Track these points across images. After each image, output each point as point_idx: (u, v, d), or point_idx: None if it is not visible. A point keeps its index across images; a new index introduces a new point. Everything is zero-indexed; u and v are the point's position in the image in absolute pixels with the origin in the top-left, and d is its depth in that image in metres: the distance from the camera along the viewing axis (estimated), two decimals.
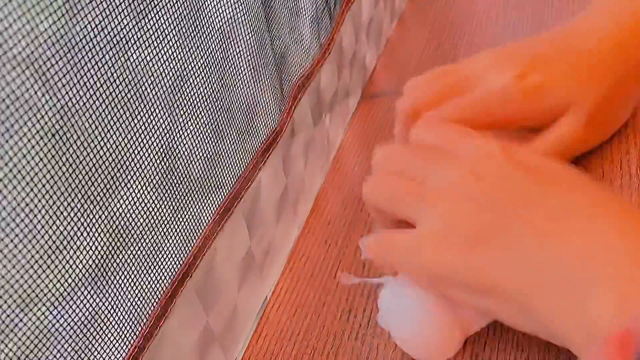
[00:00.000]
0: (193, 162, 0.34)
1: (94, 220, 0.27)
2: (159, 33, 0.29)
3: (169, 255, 0.33)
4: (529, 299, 0.30)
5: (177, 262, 0.33)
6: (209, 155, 0.35)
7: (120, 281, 0.29)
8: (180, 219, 0.33)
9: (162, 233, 0.32)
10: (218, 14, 0.34)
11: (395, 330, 0.38)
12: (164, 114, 0.31)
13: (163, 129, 0.31)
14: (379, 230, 0.39)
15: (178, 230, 0.33)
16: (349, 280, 0.43)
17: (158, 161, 0.31)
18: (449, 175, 0.34)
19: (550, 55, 0.43)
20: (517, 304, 0.31)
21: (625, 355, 0.23)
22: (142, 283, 0.31)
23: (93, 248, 0.27)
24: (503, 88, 0.41)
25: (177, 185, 0.33)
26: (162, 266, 0.32)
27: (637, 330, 0.24)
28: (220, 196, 0.37)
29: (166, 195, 0.32)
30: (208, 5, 0.33)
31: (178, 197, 0.33)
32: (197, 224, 0.35)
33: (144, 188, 0.30)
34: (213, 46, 0.34)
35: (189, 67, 0.32)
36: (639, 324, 0.24)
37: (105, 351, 0.29)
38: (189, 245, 0.34)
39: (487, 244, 0.32)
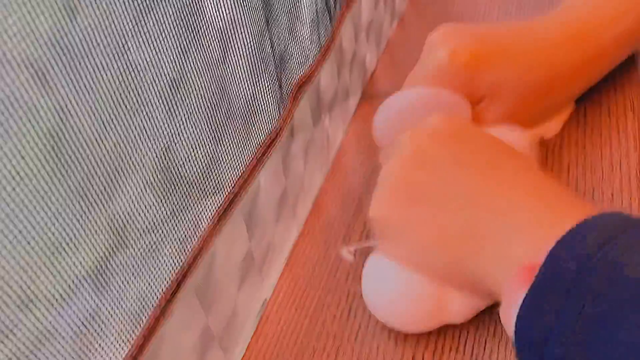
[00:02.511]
0: (192, 163, 0.34)
1: (93, 221, 0.27)
2: (159, 34, 0.29)
3: (169, 256, 0.33)
4: (462, 254, 0.35)
5: (177, 263, 0.33)
6: (208, 156, 0.35)
7: (119, 281, 0.29)
8: (180, 220, 0.33)
9: (162, 234, 0.32)
10: (218, 14, 0.34)
11: (374, 298, 0.40)
12: (163, 114, 0.31)
13: (162, 130, 0.31)
14: None
15: (177, 231, 0.33)
16: (350, 254, 0.44)
17: (157, 162, 0.31)
18: (401, 140, 0.40)
19: (491, 40, 0.45)
20: (451, 260, 0.36)
21: (528, 279, 0.29)
22: (141, 283, 0.31)
23: (92, 248, 0.27)
24: (438, 61, 0.45)
25: (176, 186, 0.33)
26: (161, 267, 0.32)
27: (540, 262, 0.29)
28: (219, 197, 0.37)
29: (165, 195, 0.32)
30: (208, 5, 0.33)
31: (177, 197, 0.33)
32: (197, 225, 0.35)
33: (143, 189, 0.30)
34: (212, 47, 0.34)
35: (188, 67, 0.32)
36: (542, 257, 0.29)
37: (104, 351, 0.29)
38: (188, 246, 0.34)
39: (423, 202, 0.36)
